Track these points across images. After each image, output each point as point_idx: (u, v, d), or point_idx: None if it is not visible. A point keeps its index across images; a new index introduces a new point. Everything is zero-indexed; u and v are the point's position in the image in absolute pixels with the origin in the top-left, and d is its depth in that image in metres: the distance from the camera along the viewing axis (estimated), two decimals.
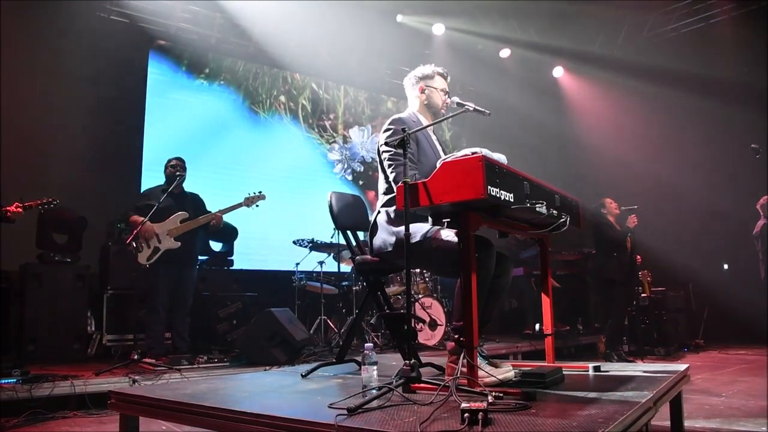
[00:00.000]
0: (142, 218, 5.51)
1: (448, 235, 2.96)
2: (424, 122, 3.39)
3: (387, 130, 3.24)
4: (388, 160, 3.14)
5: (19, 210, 4.98)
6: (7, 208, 4.95)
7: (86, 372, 4.92)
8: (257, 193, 5.99)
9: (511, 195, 2.59)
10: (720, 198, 8.96)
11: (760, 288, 7.71)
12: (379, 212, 3.27)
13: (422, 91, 3.45)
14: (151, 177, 7.52)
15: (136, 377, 4.82)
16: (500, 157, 2.76)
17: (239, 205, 5.94)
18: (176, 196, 5.82)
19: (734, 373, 6.25)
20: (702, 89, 9.56)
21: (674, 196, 9.62)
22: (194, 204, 6.08)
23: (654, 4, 9.69)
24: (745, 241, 7.93)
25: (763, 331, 7.92)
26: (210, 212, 5.98)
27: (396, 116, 3.32)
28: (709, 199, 9.16)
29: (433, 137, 3.48)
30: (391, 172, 3.12)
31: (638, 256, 7.50)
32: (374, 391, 2.47)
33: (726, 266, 9.61)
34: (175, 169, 5.93)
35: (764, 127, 8.31)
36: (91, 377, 4.77)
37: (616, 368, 3.48)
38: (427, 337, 6.65)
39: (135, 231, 5.44)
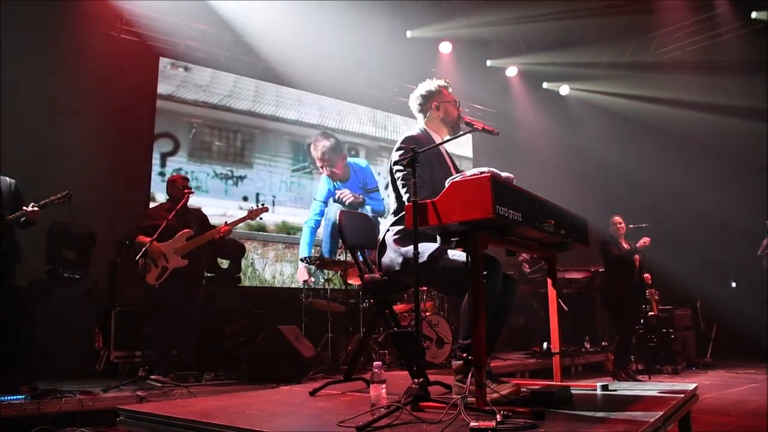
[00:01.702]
0: (149, 238, 5.53)
1: (455, 254, 2.97)
2: (436, 138, 3.42)
3: (399, 149, 3.26)
4: (402, 179, 3.16)
5: (36, 209, 5.01)
6: (25, 209, 4.98)
7: (94, 388, 4.94)
8: (261, 206, 6.08)
9: (519, 214, 2.61)
10: (728, 216, 8.95)
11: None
12: (388, 230, 3.28)
13: (437, 108, 3.48)
14: (160, 192, 7.60)
15: (144, 394, 4.83)
16: (508, 176, 2.78)
17: (244, 219, 6.04)
18: (179, 213, 5.82)
19: (743, 392, 6.22)
20: (709, 107, 9.60)
21: (682, 214, 9.62)
22: (198, 220, 6.10)
23: (660, 22, 9.75)
24: (753, 259, 7.92)
25: None
26: (214, 227, 6.02)
27: (408, 134, 3.34)
28: (717, 217, 9.16)
29: (445, 154, 3.50)
30: (405, 192, 3.13)
31: (647, 275, 7.47)
32: (383, 409, 2.48)
33: (734, 284, 9.57)
34: (183, 187, 5.96)
35: None
36: (98, 394, 4.78)
37: (624, 387, 3.48)
38: (433, 355, 6.63)
39: (143, 249, 5.46)
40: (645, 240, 7.14)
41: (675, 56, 10.07)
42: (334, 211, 9.23)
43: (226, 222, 6.01)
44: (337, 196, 9.44)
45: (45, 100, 7.10)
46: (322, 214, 9.28)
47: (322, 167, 9.49)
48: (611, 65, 10.55)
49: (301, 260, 7.48)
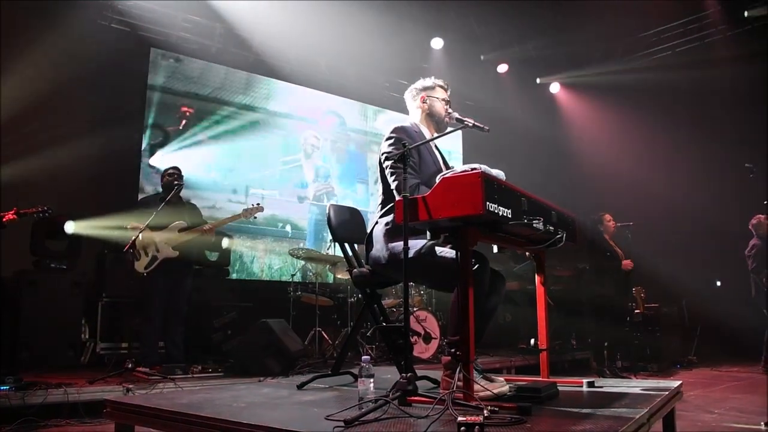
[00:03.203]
0: (141, 226, 5.52)
1: (443, 250, 2.98)
2: (426, 132, 3.43)
3: (389, 138, 3.26)
4: (391, 167, 3.16)
5: (15, 217, 5.01)
6: (4, 213, 4.96)
7: (80, 380, 4.91)
8: (255, 205, 6.05)
9: (509, 211, 2.62)
10: (714, 215, 9.01)
11: (752, 306, 7.78)
12: (377, 223, 3.29)
13: (424, 101, 3.49)
14: (149, 184, 7.56)
15: (130, 386, 4.81)
16: (499, 173, 2.79)
17: (237, 217, 6.01)
18: (174, 205, 5.84)
19: (726, 390, 6.28)
20: (697, 107, 9.65)
21: (668, 213, 9.66)
22: (191, 213, 6.09)
23: (650, 22, 9.79)
24: (738, 259, 7.99)
25: (755, 349, 7.96)
26: (207, 221, 6.02)
27: (399, 125, 3.34)
28: (703, 217, 9.20)
29: (435, 148, 3.51)
30: (394, 181, 3.14)
31: (627, 262, 7.50)
32: (371, 403, 2.48)
33: (719, 283, 9.64)
34: (173, 177, 5.97)
35: (759, 145, 8.39)
36: (84, 385, 4.76)
37: (609, 384, 3.51)
38: (421, 350, 6.65)
39: (133, 239, 5.44)
40: (628, 264, 7.29)
41: (665, 56, 10.11)
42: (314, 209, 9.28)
43: (206, 222, 6.01)
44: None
45: (33, 89, 7.03)
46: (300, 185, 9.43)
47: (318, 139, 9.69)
48: (602, 64, 10.58)
49: (290, 253, 7.46)
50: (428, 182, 3.03)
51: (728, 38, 9.40)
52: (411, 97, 3.58)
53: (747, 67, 9.07)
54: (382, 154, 3.24)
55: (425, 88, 3.53)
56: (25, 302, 5.90)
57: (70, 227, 6.38)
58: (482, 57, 10.59)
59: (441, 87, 3.55)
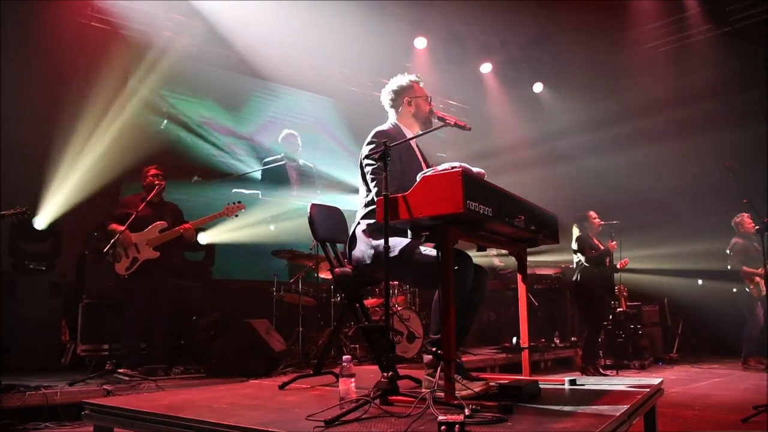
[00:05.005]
0: (121, 227, 5.46)
1: (426, 249, 2.98)
2: (408, 133, 3.42)
3: (370, 143, 3.25)
4: (371, 173, 3.15)
5: None
6: None
7: (59, 382, 4.86)
8: (237, 203, 6.01)
9: (490, 209, 2.62)
10: (695, 214, 9.09)
11: (732, 303, 7.87)
12: (358, 223, 3.28)
13: (409, 103, 3.47)
14: (130, 185, 7.48)
15: (111, 388, 4.77)
16: (480, 172, 2.79)
17: (219, 215, 5.96)
18: (155, 205, 5.79)
19: (707, 387, 6.33)
20: (679, 106, 9.72)
21: (651, 212, 9.73)
22: (173, 214, 6.03)
23: (633, 22, 9.85)
24: (720, 258, 8.07)
25: (736, 346, 8.04)
26: (188, 221, 5.94)
27: (379, 128, 3.34)
28: (685, 215, 9.28)
29: (416, 149, 3.50)
30: (374, 186, 3.13)
31: (625, 260, 7.54)
32: (352, 403, 2.47)
33: (700, 281, 9.73)
34: (154, 178, 5.91)
35: (739, 144, 8.48)
36: (64, 387, 4.70)
37: (591, 382, 3.52)
38: (404, 349, 6.64)
39: (113, 240, 5.38)
40: (613, 245, 7.29)
41: (647, 56, 10.18)
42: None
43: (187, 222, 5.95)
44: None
45: (12, 89, 6.95)
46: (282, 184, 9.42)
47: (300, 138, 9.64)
48: (584, 63, 10.64)
49: (272, 253, 7.42)
50: (410, 183, 3.02)
51: (709, 38, 9.48)
52: (390, 99, 3.55)
53: (728, 67, 9.17)
54: (363, 157, 3.23)
55: (403, 89, 3.50)
56: (4, 304, 5.82)
57: (40, 221, 6.31)
58: (461, 61, 10.53)
59: (417, 83, 3.53)
